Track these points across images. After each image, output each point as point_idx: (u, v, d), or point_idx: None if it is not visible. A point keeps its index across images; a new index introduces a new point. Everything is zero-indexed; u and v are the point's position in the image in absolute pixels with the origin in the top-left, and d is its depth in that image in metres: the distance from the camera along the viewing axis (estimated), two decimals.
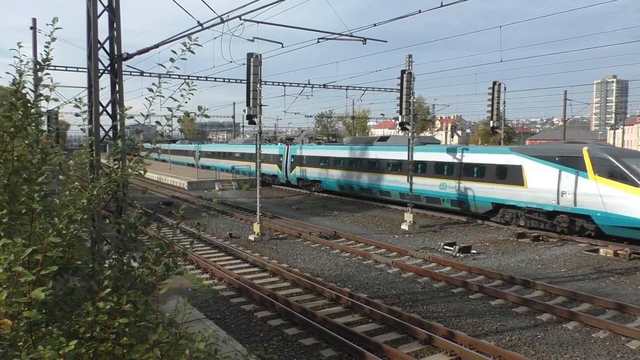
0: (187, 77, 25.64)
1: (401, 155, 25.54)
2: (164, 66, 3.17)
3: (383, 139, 30.63)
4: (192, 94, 3.17)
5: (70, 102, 3.36)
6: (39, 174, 2.82)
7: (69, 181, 2.93)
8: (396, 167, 26.81)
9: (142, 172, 3.04)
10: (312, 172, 34.30)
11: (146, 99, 3.17)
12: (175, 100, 3.12)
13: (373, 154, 28.84)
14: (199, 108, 3.16)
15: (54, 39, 3.25)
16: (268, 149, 39.80)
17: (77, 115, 3.30)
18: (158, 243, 2.95)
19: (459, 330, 9.95)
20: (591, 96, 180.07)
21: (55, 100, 3.28)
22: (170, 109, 3.10)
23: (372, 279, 13.81)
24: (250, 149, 42.36)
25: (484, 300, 11.97)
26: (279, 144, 42.32)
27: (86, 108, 3.37)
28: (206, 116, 3.16)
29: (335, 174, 31.86)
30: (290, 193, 35.94)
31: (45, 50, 3.22)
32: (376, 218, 24.46)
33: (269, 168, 38.80)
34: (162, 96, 3.22)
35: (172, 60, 3.14)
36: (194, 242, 3.23)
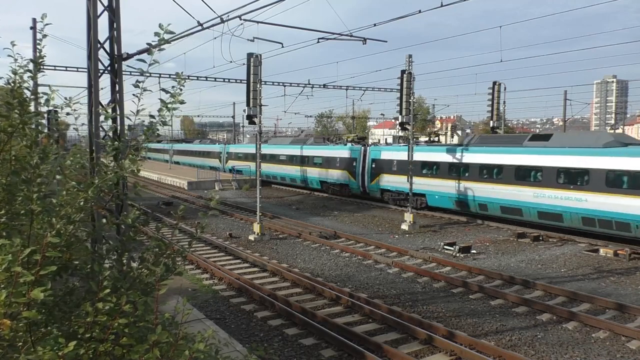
0: (187, 77, 25.59)
1: (581, 161, 18.33)
2: (144, 61, 3.14)
3: (541, 137, 21.70)
4: (183, 86, 3.13)
5: (67, 102, 3.30)
6: (37, 175, 2.82)
7: (66, 181, 2.92)
8: (574, 178, 18.56)
9: (135, 169, 3.01)
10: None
11: (134, 95, 3.15)
12: (167, 92, 3.09)
13: (523, 159, 20.48)
14: (181, 102, 3.11)
15: (45, 36, 3.25)
16: (333, 151, 31.86)
17: (68, 114, 3.29)
18: (157, 244, 2.94)
19: (459, 330, 9.95)
20: (591, 96, 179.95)
21: (56, 107, 3.27)
22: (163, 101, 3.08)
23: (372, 279, 13.80)
24: (304, 151, 34.14)
25: (484, 300, 11.97)
26: (349, 143, 32.48)
27: (76, 107, 3.35)
28: (182, 102, 3.11)
29: (450, 186, 23.33)
30: (290, 193, 35.92)
31: (38, 48, 3.22)
32: (376, 218, 24.45)
33: (336, 175, 31.15)
34: (150, 91, 3.20)
35: (149, 52, 3.11)
36: (192, 242, 3.22)
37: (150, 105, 3.39)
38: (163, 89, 3.09)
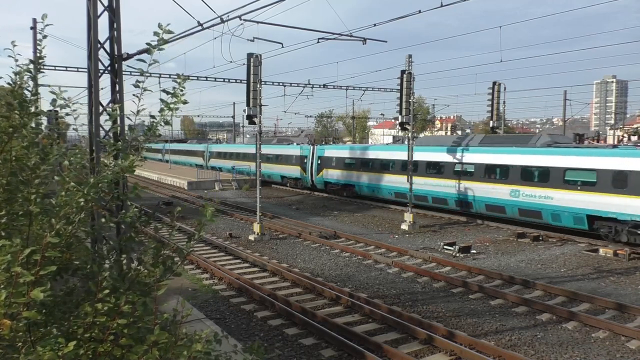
0: (187, 77, 25.61)
1: None
2: (144, 61, 3.14)
3: None
4: (184, 88, 3.13)
5: (68, 102, 3.31)
6: (35, 176, 2.82)
7: (65, 181, 2.93)
8: None
9: (132, 168, 3.01)
10: None
11: (134, 95, 3.15)
12: (168, 93, 3.09)
13: None
14: (184, 102, 3.10)
15: (45, 37, 3.24)
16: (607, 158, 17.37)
17: (67, 114, 3.29)
18: (156, 245, 2.95)
19: (459, 330, 9.96)
20: (591, 96, 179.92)
21: (56, 106, 3.27)
22: (165, 102, 3.08)
23: (372, 279, 13.81)
24: (527, 158, 20.04)
25: (484, 300, 11.97)
26: None
27: (76, 107, 3.35)
28: (184, 102, 3.10)
29: None
30: (290, 193, 35.91)
31: (38, 49, 3.22)
32: (376, 218, 24.45)
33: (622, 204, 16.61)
34: (151, 91, 3.20)
35: (149, 52, 3.11)
36: (192, 243, 3.21)
37: (150, 105, 3.39)
38: (164, 90, 3.09)
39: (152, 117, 3.11)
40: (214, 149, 52.46)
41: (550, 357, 8.81)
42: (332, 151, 32.57)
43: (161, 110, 3.08)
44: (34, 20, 22.30)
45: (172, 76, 27.03)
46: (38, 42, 3.25)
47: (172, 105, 3.06)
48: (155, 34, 3.07)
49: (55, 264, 2.55)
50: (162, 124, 3.15)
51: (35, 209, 2.68)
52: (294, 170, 35.62)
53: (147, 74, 3.15)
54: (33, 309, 2.39)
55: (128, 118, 3.26)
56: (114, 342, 2.55)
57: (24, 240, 2.48)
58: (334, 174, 31.50)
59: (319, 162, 32.87)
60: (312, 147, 34.50)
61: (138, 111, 3.17)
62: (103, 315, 2.53)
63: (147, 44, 3.06)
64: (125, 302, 2.55)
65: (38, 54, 3.20)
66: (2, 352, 2.31)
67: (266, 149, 37.95)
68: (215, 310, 11.33)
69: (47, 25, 3.22)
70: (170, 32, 3.09)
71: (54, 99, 3.12)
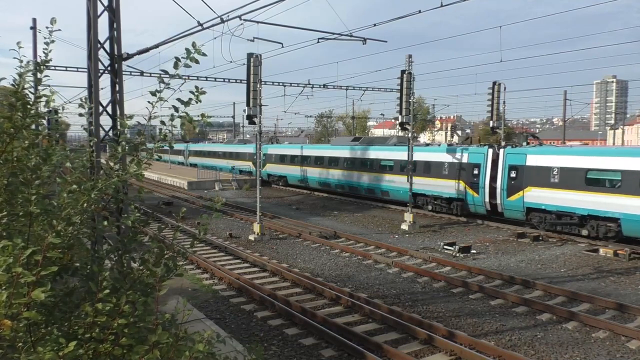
0: (187, 77, 25.62)
1: None
2: (166, 71, 3.16)
3: None
4: (200, 101, 3.14)
5: (70, 102, 3.33)
6: (36, 177, 2.82)
7: (67, 183, 2.93)
8: None
9: (140, 175, 3.02)
10: None
11: (149, 102, 3.15)
12: (181, 102, 3.10)
13: None
14: (202, 116, 3.14)
15: (52, 41, 3.24)
16: None
17: (80, 115, 3.30)
18: (158, 245, 2.95)
19: (459, 330, 9.96)
20: (591, 96, 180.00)
21: (50, 105, 3.27)
22: (175, 108, 3.09)
23: (372, 279, 13.81)
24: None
25: (484, 300, 11.98)
26: None
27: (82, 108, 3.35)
28: (208, 122, 3.14)
29: None
30: (290, 193, 35.92)
31: (44, 52, 3.21)
32: (376, 218, 24.45)
33: None
34: (166, 100, 3.21)
35: (176, 66, 3.12)
36: (194, 243, 3.22)
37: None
38: (179, 99, 3.11)
39: (163, 122, 3.12)
40: (271, 150, 39.23)
41: (550, 357, 8.81)
42: (548, 157, 19.30)
43: (182, 125, 3.08)
44: (34, 20, 22.30)
45: (172, 76, 26.94)
46: (45, 45, 3.23)
47: (192, 118, 3.08)
48: (187, 50, 3.09)
49: (55, 264, 2.55)
50: (181, 134, 3.17)
51: (35, 209, 2.69)
52: (447, 186, 23.26)
53: (166, 76, 3.17)
54: (33, 309, 2.39)
55: (138, 122, 3.27)
56: (115, 342, 2.56)
57: (24, 241, 2.48)
58: (554, 197, 18.77)
59: (514, 175, 20.29)
60: (488, 149, 21.89)
61: (150, 117, 3.18)
62: (104, 315, 2.53)
63: (176, 57, 3.09)
64: (125, 302, 2.56)
65: (44, 57, 3.20)
66: (2, 352, 2.32)
67: (379, 152, 27.86)
68: (215, 310, 11.33)
69: (55, 30, 3.22)
70: (204, 54, 3.11)
71: (47, 100, 3.12)
